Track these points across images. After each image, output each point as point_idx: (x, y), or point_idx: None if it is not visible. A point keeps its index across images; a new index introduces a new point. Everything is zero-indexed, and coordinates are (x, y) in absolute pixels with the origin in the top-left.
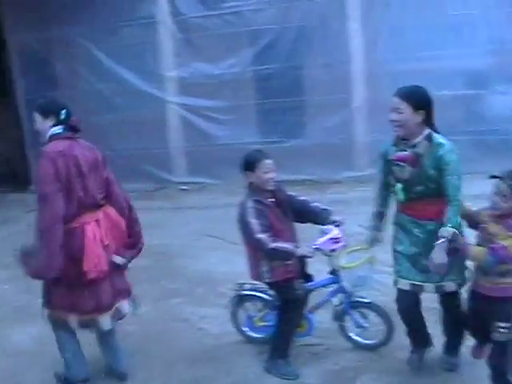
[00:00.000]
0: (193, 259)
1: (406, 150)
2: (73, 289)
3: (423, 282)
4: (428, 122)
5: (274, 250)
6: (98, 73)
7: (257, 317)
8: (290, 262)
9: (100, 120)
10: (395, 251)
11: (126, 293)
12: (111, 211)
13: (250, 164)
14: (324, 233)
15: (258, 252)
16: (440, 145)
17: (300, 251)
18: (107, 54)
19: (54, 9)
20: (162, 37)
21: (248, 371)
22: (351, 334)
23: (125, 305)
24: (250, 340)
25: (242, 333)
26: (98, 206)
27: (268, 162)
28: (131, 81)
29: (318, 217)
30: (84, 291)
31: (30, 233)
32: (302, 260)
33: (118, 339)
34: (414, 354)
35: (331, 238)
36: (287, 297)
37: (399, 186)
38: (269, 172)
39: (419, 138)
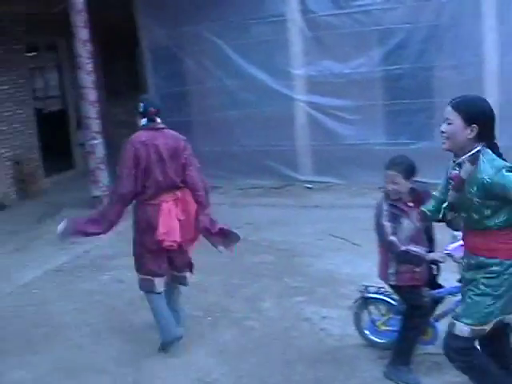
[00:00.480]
0: (315, 258)
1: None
2: (155, 255)
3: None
4: (483, 138)
5: (405, 252)
6: (227, 69)
7: (380, 321)
8: (417, 270)
9: (227, 116)
10: None
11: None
12: (188, 194)
13: None
14: (455, 239)
15: (389, 254)
16: (482, 171)
17: (431, 256)
18: (236, 51)
19: (185, 6)
20: (292, 35)
21: (367, 375)
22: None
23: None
24: (372, 344)
25: (364, 336)
26: (176, 188)
27: (388, 172)
28: (259, 78)
29: (453, 221)
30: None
31: None
32: (433, 268)
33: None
34: None
35: (462, 245)
36: (412, 303)
37: (445, 204)
38: (387, 183)
39: (464, 157)
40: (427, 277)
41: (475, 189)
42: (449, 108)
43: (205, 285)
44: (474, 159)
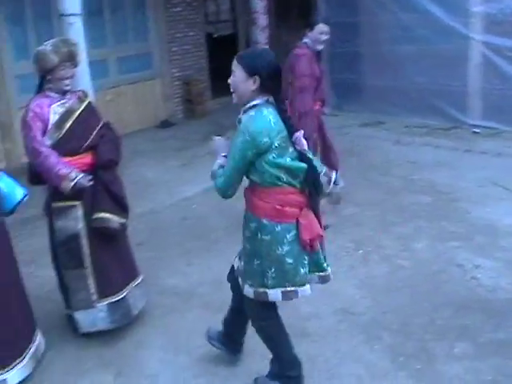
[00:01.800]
0: (476, 205)
1: None
2: None
3: None
4: (267, 90)
5: None
6: (402, 2)
7: None
8: None
9: (399, 50)
10: None
11: None
12: None
13: None
14: None
15: None
16: (241, 121)
17: None
18: None
19: None
20: None
21: None
22: None
23: None
24: None
25: None
26: None
27: None
28: (435, 13)
29: None
30: None
31: None
32: None
33: None
34: None
35: None
36: None
37: None
38: None
39: (243, 108)
40: None
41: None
42: (234, 61)
43: (359, 218)
44: (249, 110)
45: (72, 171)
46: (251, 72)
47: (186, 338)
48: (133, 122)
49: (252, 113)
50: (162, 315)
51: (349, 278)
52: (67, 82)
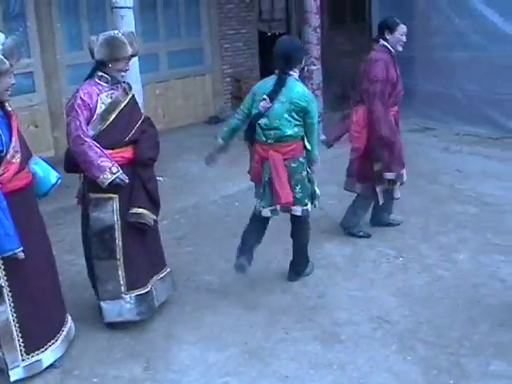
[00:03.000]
0: None
1: None
2: None
3: None
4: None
5: None
6: (458, 7)
7: None
8: None
9: (452, 56)
10: None
11: None
12: None
13: None
14: None
15: None
16: None
17: None
18: None
19: None
20: None
21: None
22: None
23: None
24: None
25: None
26: None
27: None
28: (491, 19)
29: None
30: None
31: None
32: None
33: None
34: None
35: None
36: None
37: None
38: None
39: None
40: None
41: None
42: None
43: (403, 225)
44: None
45: (113, 165)
46: None
47: (217, 335)
48: (181, 116)
49: None
50: (194, 311)
51: (387, 285)
52: (124, 74)
